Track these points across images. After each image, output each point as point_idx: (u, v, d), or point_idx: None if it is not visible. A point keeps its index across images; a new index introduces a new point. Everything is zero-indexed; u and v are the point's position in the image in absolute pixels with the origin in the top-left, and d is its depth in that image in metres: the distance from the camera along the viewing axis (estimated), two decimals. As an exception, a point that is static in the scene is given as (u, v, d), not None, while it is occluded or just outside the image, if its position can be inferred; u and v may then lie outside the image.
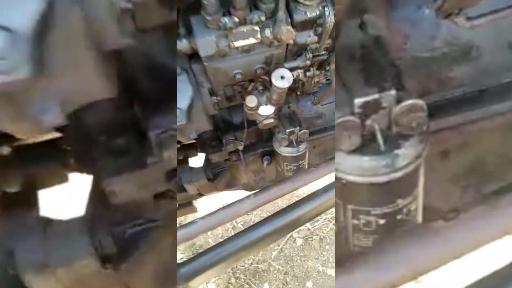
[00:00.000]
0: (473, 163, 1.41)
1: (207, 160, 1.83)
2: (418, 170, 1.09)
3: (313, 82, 1.49)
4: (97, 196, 1.23)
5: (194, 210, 2.08)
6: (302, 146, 1.66)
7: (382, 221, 1.11)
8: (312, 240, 3.60)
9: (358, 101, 1.02)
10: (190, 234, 1.58)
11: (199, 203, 2.06)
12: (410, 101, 1.03)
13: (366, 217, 1.11)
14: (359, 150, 1.05)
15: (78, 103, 0.98)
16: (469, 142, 1.36)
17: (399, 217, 1.12)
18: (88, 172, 1.29)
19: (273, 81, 1.19)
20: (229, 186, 1.99)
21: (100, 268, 1.18)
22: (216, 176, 1.89)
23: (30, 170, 1.43)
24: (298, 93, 1.65)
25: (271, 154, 1.85)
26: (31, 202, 1.33)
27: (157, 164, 1.16)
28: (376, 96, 1.02)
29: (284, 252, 3.50)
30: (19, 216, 1.23)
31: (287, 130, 1.57)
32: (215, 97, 1.34)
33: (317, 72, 1.41)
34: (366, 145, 1.06)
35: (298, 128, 1.58)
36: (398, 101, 1.04)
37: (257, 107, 1.35)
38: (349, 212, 1.13)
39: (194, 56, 1.19)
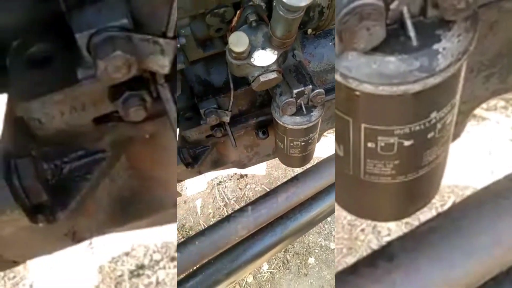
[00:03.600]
0: (501, 47, 1.11)
1: (181, 138, 1.35)
2: (461, 71, 0.78)
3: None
4: (16, 124, 0.90)
5: (177, 194, 1.69)
6: (315, 114, 1.14)
7: (407, 143, 0.82)
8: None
9: (382, -26, 0.68)
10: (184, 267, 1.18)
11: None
12: (456, -29, 0.69)
13: (386, 138, 0.81)
14: (381, 47, 0.72)
15: None
16: (501, 23, 1.05)
17: (430, 135, 0.82)
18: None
19: None
20: (216, 165, 1.53)
21: (29, 223, 0.88)
22: (196, 159, 1.40)
23: None
24: (310, 30, 1.14)
25: (268, 125, 1.36)
26: None
27: (92, 79, 0.82)
28: (407, -35, 0.68)
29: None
30: None
31: (294, 91, 1.06)
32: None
33: None
34: (391, 40, 0.73)
35: (310, 86, 1.07)
36: (438, -29, 0.70)
37: (248, 54, 0.90)
38: (362, 132, 0.83)
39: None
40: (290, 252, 3.02)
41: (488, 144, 2.92)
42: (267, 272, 2.94)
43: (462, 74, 0.80)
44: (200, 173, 1.55)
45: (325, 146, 2.90)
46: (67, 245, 1.06)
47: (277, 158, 1.55)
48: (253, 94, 1.30)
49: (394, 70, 0.72)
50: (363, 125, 0.81)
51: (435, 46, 0.72)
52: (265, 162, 3.32)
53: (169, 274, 2.80)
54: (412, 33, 0.72)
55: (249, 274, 2.91)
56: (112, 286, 2.76)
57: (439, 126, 0.82)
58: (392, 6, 0.71)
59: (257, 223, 1.04)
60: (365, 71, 0.73)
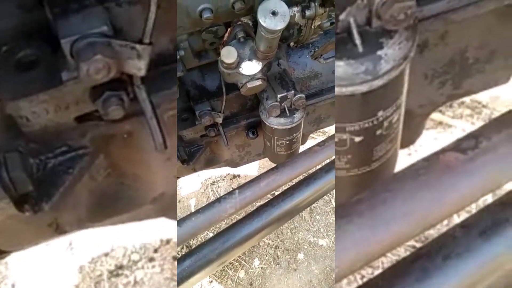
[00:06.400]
0: (453, 55, 1.22)
1: (178, 137, 1.48)
2: (403, 74, 0.88)
3: (313, 26, 1.15)
4: (3, 122, 0.98)
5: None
6: (297, 115, 1.30)
7: (358, 139, 0.92)
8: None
9: (330, -12, 0.78)
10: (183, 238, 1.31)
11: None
12: (395, -13, 0.80)
13: (339, 135, 0.91)
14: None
15: None
16: (451, 33, 1.15)
17: (378, 132, 0.93)
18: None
19: (261, 20, 0.89)
20: (209, 164, 1.67)
21: (16, 212, 0.96)
22: (191, 156, 1.54)
23: None
24: (291, 43, 1.29)
25: (257, 126, 1.51)
26: None
27: (75, 80, 0.91)
28: (352, -19, 0.78)
29: (274, 226, 3.22)
30: None
31: (278, 95, 1.22)
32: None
33: (320, 11, 1.07)
34: (340, 47, 0.83)
35: (292, 92, 1.23)
36: (380, -13, 0.81)
37: (237, 64, 1.05)
38: (319, 129, 0.93)
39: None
40: (281, 248, 3.11)
41: (454, 150, 3.05)
42: (258, 267, 3.03)
43: (406, 77, 0.90)
44: (195, 170, 1.66)
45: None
46: (51, 236, 1.14)
47: (268, 160, 1.69)
48: (244, 98, 1.43)
49: (342, 73, 0.82)
50: (319, 123, 0.91)
51: (379, 52, 0.82)
52: (257, 164, 3.43)
53: (147, 273, 2.87)
54: (358, 41, 0.82)
55: (241, 269, 3.00)
56: (92, 286, 2.81)
57: (386, 124, 0.92)
58: (341, 17, 0.82)
59: (243, 203, 1.23)
60: (317, 73, 0.83)
